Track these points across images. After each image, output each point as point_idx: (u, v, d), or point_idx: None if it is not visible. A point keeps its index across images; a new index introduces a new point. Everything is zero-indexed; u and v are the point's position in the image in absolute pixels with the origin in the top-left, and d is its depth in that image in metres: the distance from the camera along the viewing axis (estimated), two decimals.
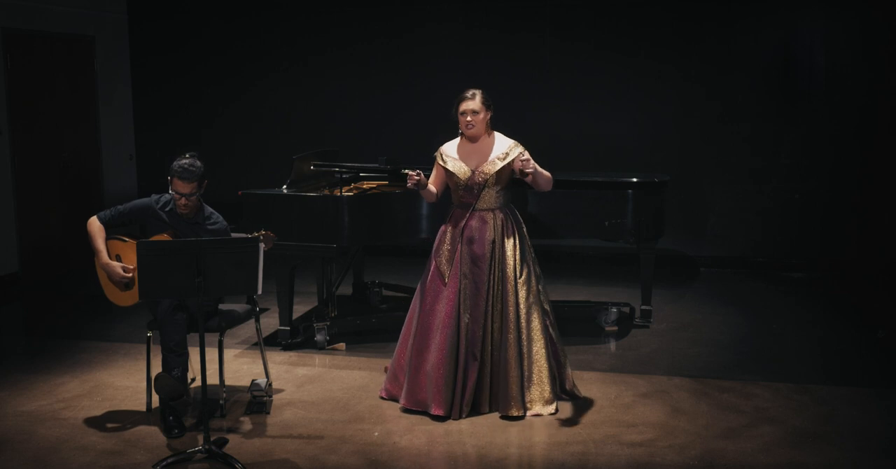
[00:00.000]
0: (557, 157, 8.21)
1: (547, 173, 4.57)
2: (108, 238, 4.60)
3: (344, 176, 5.84)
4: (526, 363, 4.58)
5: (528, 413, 4.55)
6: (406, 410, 4.60)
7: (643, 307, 6.20)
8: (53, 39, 7.96)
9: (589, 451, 4.13)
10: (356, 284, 6.98)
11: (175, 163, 4.50)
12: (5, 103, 7.43)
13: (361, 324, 5.95)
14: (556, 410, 4.59)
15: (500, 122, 4.75)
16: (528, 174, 4.44)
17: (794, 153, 7.89)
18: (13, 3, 7.51)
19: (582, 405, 4.69)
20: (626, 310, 6.38)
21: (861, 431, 4.33)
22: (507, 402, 4.53)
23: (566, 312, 6.07)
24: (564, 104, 8.21)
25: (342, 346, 5.73)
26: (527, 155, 4.46)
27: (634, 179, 5.83)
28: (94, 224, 4.60)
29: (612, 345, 5.84)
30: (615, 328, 6.12)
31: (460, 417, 4.50)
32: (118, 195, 8.53)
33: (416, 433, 4.35)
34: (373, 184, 6.30)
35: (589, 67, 8.16)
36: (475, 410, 4.57)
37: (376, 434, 4.35)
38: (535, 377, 4.59)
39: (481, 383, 4.57)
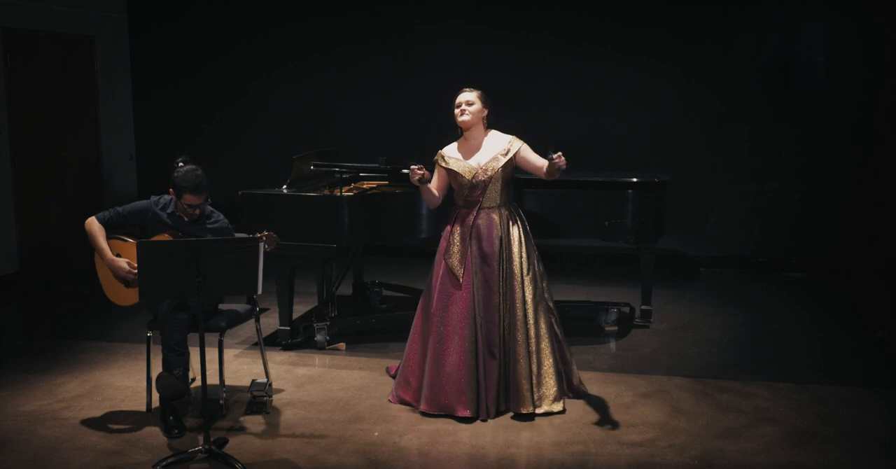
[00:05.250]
0: None
1: None
2: (108, 238, 4.58)
3: (344, 176, 5.84)
4: (535, 360, 4.58)
5: (538, 410, 4.54)
6: (426, 414, 4.54)
7: (643, 307, 6.21)
8: (53, 39, 7.96)
9: (589, 451, 4.13)
10: (356, 284, 6.98)
11: (178, 177, 4.43)
12: (5, 103, 7.43)
13: (361, 324, 5.95)
14: (564, 409, 4.58)
15: (501, 121, 4.76)
16: (557, 172, 4.42)
17: (794, 153, 7.89)
18: (13, 3, 7.51)
19: (582, 405, 4.69)
20: (626, 310, 6.39)
21: (861, 431, 4.33)
22: (518, 399, 4.52)
23: (566, 312, 6.05)
24: (564, 104, 8.20)
25: (342, 346, 5.73)
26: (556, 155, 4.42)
27: (634, 179, 5.84)
28: (94, 224, 4.56)
29: (612, 345, 5.84)
30: (615, 328, 6.12)
31: (488, 417, 4.49)
32: (118, 195, 8.53)
33: (416, 433, 4.35)
34: (373, 184, 6.30)
35: (589, 67, 8.16)
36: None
37: (376, 434, 4.35)
38: (544, 375, 4.59)
39: (499, 381, 4.56)
